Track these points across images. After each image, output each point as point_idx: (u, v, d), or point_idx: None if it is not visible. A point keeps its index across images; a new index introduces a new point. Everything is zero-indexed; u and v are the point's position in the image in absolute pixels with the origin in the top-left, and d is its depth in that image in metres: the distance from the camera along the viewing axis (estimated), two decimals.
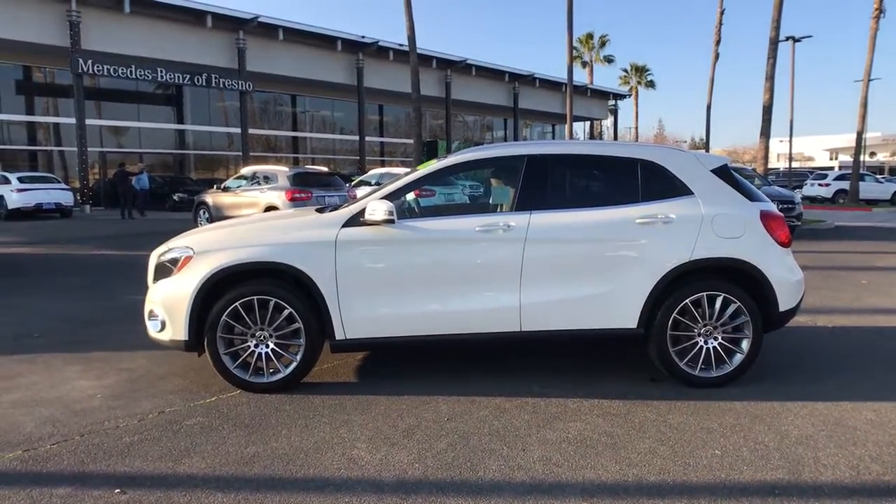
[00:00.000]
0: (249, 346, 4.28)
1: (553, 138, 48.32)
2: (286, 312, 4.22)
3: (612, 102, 47.94)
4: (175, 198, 24.23)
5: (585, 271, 4.30)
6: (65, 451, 3.40)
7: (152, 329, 4.45)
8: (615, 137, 49.31)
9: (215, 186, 15.46)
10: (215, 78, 26.82)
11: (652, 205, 4.36)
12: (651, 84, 54.09)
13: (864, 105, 26.19)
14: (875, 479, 3.06)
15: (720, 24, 33.14)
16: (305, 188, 13.15)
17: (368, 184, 16.79)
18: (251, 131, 29.46)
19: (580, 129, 52.06)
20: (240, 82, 27.55)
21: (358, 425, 3.74)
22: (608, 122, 52.47)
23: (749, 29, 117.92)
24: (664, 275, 4.26)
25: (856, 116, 27.07)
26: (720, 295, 4.29)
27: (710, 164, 4.58)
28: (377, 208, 4.15)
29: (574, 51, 55.14)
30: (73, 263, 10.87)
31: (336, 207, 4.74)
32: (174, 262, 4.36)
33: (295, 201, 12.87)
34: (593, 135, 50.04)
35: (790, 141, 38.41)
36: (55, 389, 4.40)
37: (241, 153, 28.59)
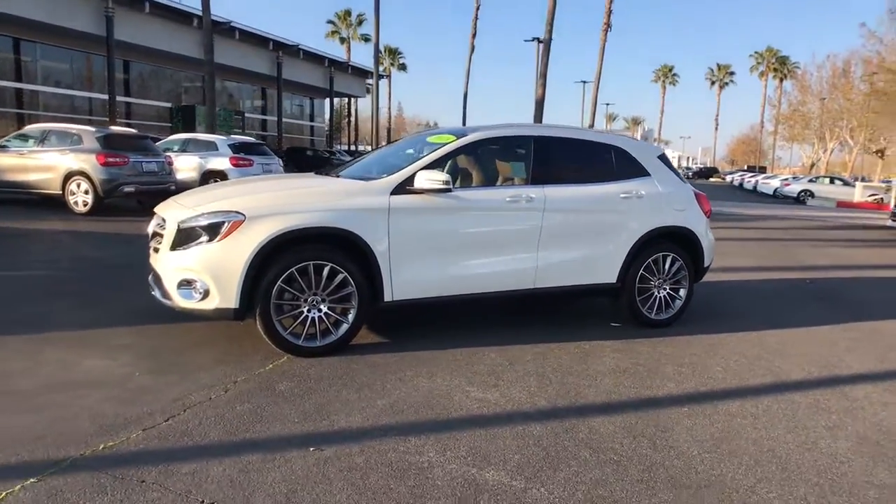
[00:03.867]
0: (303, 312, 4.28)
1: (311, 113, 47.92)
2: (340, 277, 4.31)
3: (369, 81, 49.10)
4: None
5: (584, 236, 5.15)
6: (187, 425, 3.22)
7: (185, 299, 4.16)
8: (373, 117, 50.65)
9: None
10: None
11: (626, 183, 5.37)
12: (403, 67, 56.62)
13: (595, 104, 31.23)
14: (775, 381, 4.48)
15: (476, 18, 36.35)
16: (120, 152, 11.69)
17: (170, 149, 15.40)
18: None
19: (336, 105, 52.28)
20: None
21: (445, 374, 4.10)
22: (358, 101, 53.53)
23: (502, 26, 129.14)
24: (638, 239, 5.30)
25: (581, 113, 32.11)
26: (670, 255, 5.49)
27: (655, 153, 5.75)
28: (433, 177, 4.44)
29: (332, 25, 55.25)
30: None
31: (341, 174, 4.84)
32: (215, 227, 4.12)
33: (110, 166, 11.43)
34: (350, 112, 50.78)
35: None
36: (74, 372, 3.88)
37: None
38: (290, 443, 3.08)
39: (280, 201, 4.30)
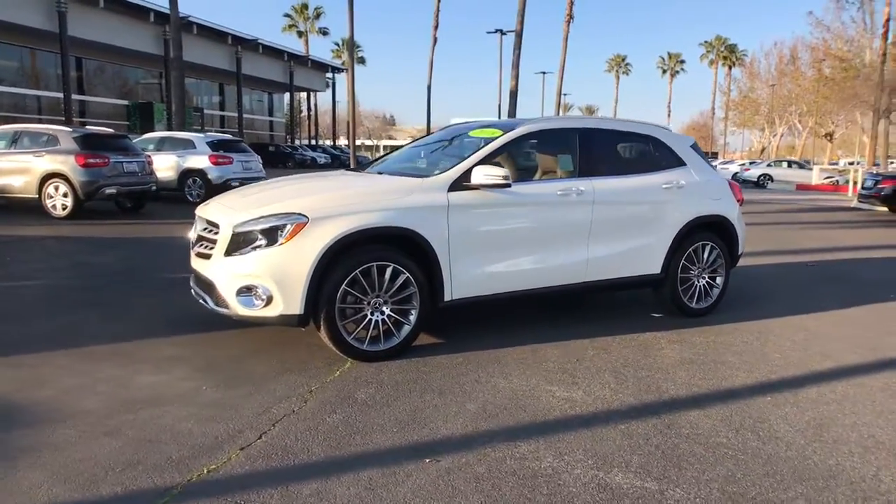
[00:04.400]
0: (366, 315, 4.13)
1: (270, 108, 46.96)
2: (402, 278, 4.18)
3: (329, 75, 48.44)
4: None
5: (631, 228, 5.12)
6: (285, 441, 3.06)
7: (245, 307, 3.96)
8: (333, 111, 50.02)
9: None
10: None
11: (666, 173, 5.36)
12: (362, 60, 55.94)
13: (560, 94, 31.44)
14: (836, 365, 4.56)
15: (438, 10, 36.13)
16: (99, 152, 11.17)
17: (145, 149, 14.83)
18: None
19: (292, 100, 51.21)
20: None
21: (519, 374, 4.02)
22: (301, 96, 52.62)
23: (463, 18, 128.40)
24: (680, 229, 5.29)
25: (542, 103, 32.27)
26: (709, 244, 5.51)
27: (688, 142, 5.76)
28: (492, 172, 4.32)
29: (289, 19, 54.16)
30: None
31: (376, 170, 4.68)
32: (276, 230, 3.93)
33: (90, 167, 10.92)
34: (310, 107, 49.91)
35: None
36: (133, 389, 3.66)
37: None
38: (400, 454, 2.95)
39: (340, 202, 4.13)
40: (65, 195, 10.94)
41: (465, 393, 3.70)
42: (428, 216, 4.24)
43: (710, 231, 5.54)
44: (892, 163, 32.90)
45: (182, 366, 4.04)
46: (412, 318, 4.26)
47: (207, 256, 4.19)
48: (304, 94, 48.34)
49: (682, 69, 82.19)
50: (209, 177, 14.10)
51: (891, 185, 16.02)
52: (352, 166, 19.88)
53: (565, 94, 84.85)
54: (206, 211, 4.47)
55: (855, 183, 22.78)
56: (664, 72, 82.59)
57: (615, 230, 5.03)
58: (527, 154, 5.04)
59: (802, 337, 5.01)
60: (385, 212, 4.12)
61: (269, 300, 3.92)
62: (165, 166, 14.10)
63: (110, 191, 11.25)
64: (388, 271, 4.13)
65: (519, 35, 21.58)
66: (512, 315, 5.41)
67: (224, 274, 4.02)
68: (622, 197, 5.06)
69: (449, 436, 3.15)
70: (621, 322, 5.30)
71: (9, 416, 3.28)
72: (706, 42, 75.06)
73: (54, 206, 11.01)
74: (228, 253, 4.04)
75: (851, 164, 58.13)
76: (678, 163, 5.48)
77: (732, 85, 68.86)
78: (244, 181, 14.77)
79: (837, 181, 29.58)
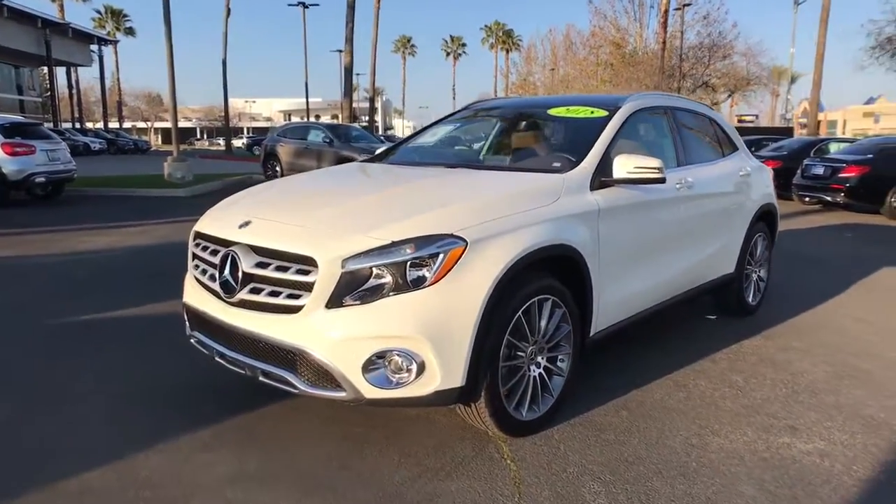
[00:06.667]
0: (524, 373, 2.92)
1: (20, 84, 39.24)
2: (559, 313, 3.03)
3: (94, 47, 41.85)
4: None
5: (721, 223, 4.46)
6: None
7: (380, 386, 2.53)
8: (102, 90, 43.32)
9: None
10: None
11: (732, 160, 4.78)
12: (130, 31, 49.04)
13: (374, 73, 30.37)
14: None
15: None
16: None
17: None
18: None
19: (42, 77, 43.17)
20: None
21: (720, 425, 3.13)
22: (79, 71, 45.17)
23: None
24: (750, 221, 4.78)
25: (340, 83, 31.11)
26: (762, 234, 5.08)
27: (730, 123, 5.24)
28: (644, 164, 3.28)
29: None
30: None
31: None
32: (416, 263, 2.53)
33: None
34: (71, 83, 42.63)
35: (349, 102, 40.82)
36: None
37: None
38: None
39: (489, 214, 2.80)
40: None
41: (707, 467, 2.73)
42: (581, 226, 3.13)
43: (762, 222, 5.10)
44: None
45: (274, 490, 2.48)
46: (564, 365, 3.13)
47: (284, 309, 2.61)
48: (67, 69, 41.04)
49: (465, 52, 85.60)
50: (4, 172, 10.82)
51: (857, 172, 11.47)
52: (174, 154, 16.93)
53: (358, 74, 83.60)
54: (246, 234, 2.79)
55: None
56: (448, 54, 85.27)
57: (712, 227, 4.35)
58: (631, 138, 4.04)
59: (879, 330, 4.76)
60: (544, 224, 2.91)
61: (421, 371, 2.53)
62: None
63: None
64: (548, 307, 2.96)
65: (351, 7, 20.00)
66: None
67: (333, 337, 2.52)
68: (717, 187, 4.39)
69: None
70: (691, 331, 4.63)
71: None
72: (486, 27, 78.83)
73: None
74: (335, 303, 2.54)
75: None
76: (734, 147, 4.94)
77: (512, 68, 73.23)
78: (51, 176, 11.70)
79: None
